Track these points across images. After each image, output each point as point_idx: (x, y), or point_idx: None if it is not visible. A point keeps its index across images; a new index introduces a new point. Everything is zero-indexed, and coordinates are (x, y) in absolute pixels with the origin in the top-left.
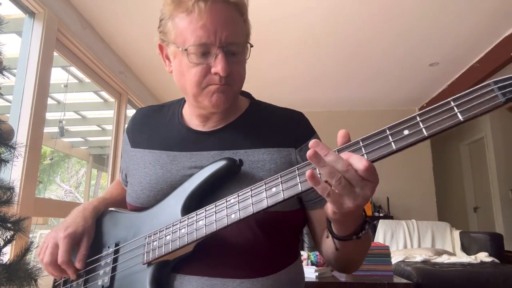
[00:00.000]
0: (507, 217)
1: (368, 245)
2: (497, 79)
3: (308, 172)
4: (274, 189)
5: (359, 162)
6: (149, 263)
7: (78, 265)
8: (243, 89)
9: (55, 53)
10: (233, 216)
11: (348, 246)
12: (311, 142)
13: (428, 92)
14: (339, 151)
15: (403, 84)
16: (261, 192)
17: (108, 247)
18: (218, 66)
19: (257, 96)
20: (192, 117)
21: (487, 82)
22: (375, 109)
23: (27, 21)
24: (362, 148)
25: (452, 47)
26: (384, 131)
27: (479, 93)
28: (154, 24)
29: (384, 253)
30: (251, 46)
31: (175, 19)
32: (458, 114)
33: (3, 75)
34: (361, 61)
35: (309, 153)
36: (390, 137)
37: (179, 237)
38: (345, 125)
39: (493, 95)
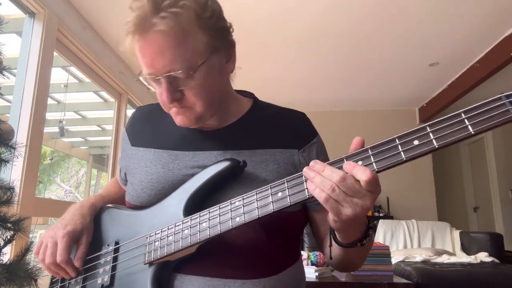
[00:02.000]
0: (507, 217)
1: (370, 246)
2: (508, 93)
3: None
4: (280, 194)
5: (362, 173)
6: (150, 263)
7: (77, 263)
8: (245, 88)
9: (55, 53)
10: (237, 219)
11: (352, 252)
12: (311, 162)
13: (428, 92)
14: (347, 158)
15: (403, 84)
16: (267, 197)
17: (108, 245)
18: (163, 95)
19: (257, 95)
20: None
21: (498, 96)
22: (375, 109)
23: (27, 21)
24: (371, 157)
25: (452, 47)
26: (393, 140)
27: (490, 107)
28: None
29: (384, 253)
30: (201, 63)
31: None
32: (469, 127)
33: (3, 75)
34: (361, 61)
35: (304, 169)
36: (399, 146)
37: (182, 238)
38: (345, 125)
39: (505, 109)
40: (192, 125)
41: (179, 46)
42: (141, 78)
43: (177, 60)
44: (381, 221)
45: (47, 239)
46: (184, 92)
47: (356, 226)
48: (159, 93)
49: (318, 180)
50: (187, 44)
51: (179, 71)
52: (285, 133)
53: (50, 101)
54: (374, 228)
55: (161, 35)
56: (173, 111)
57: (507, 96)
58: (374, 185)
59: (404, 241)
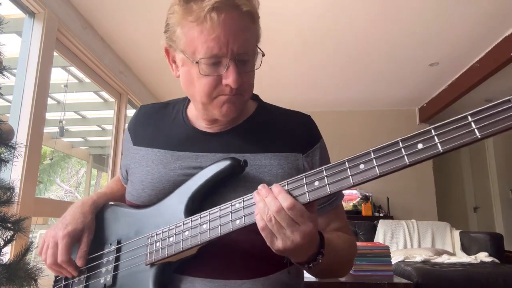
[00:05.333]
0: (507, 217)
1: (342, 257)
2: None
3: None
4: None
5: (284, 200)
6: (152, 264)
7: (79, 262)
8: None
9: (55, 53)
10: (238, 222)
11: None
12: (259, 186)
13: (428, 92)
14: (349, 161)
15: (403, 84)
16: None
17: (110, 244)
18: (229, 78)
19: (260, 96)
20: (198, 119)
21: (508, 98)
22: (375, 109)
23: (27, 21)
24: (374, 160)
25: (452, 47)
26: (397, 143)
27: (498, 110)
28: (155, 24)
29: (384, 253)
30: (263, 55)
31: (184, 27)
32: (476, 130)
33: (3, 75)
34: (361, 61)
35: (254, 193)
36: (403, 150)
37: (182, 240)
38: (345, 125)
39: None
40: (235, 114)
41: (254, 29)
42: (203, 59)
43: (251, 42)
44: (381, 221)
45: (48, 239)
46: (243, 78)
47: (295, 254)
48: (212, 79)
49: (261, 206)
50: (257, 29)
51: (249, 53)
52: (289, 137)
53: (50, 101)
54: (323, 254)
55: (244, 16)
56: (220, 99)
57: None
58: (298, 215)
59: (404, 241)
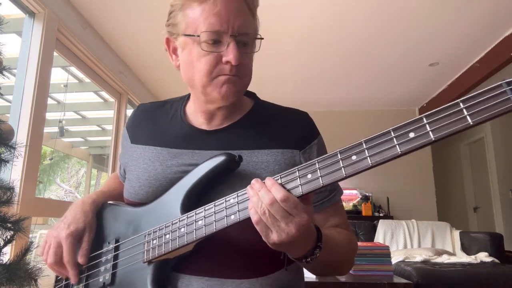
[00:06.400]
0: (507, 217)
1: (342, 253)
2: (509, 79)
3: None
4: None
5: (277, 192)
6: (149, 262)
7: (81, 260)
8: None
9: (55, 53)
10: (232, 217)
11: (309, 264)
12: (252, 180)
13: (428, 92)
14: (341, 152)
15: (403, 84)
16: None
17: (109, 243)
18: (230, 54)
19: (257, 95)
20: (196, 115)
21: (499, 83)
22: (375, 109)
23: (27, 21)
24: (366, 151)
25: (452, 47)
26: (388, 132)
27: (490, 95)
28: (155, 23)
29: (384, 253)
30: (262, 38)
31: (186, 10)
32: (468, 117)
33: (3, 75)
34: (361, 61)
35: (247, 187)
36: (395, 139)
37: (178, 237)
38: (345, 125)
39: (506, 97)
40: (234, 98)
41: (253, 15)
42: (204, 33)
43: (251, 24)
44: (381, 221)
45: (50, 239)
46: (244, 59)
47: (292, 248)
48: (213, 56)
49: (255, 200)
50: (255, 17)
51: (250, 34)
52: (286, 133)
53: (50, 101)
54: (321, 248)
55: (243, 0)
56: (220, 79)
57: (508, 83)
58: (292, 207)
59: (404, 241)
